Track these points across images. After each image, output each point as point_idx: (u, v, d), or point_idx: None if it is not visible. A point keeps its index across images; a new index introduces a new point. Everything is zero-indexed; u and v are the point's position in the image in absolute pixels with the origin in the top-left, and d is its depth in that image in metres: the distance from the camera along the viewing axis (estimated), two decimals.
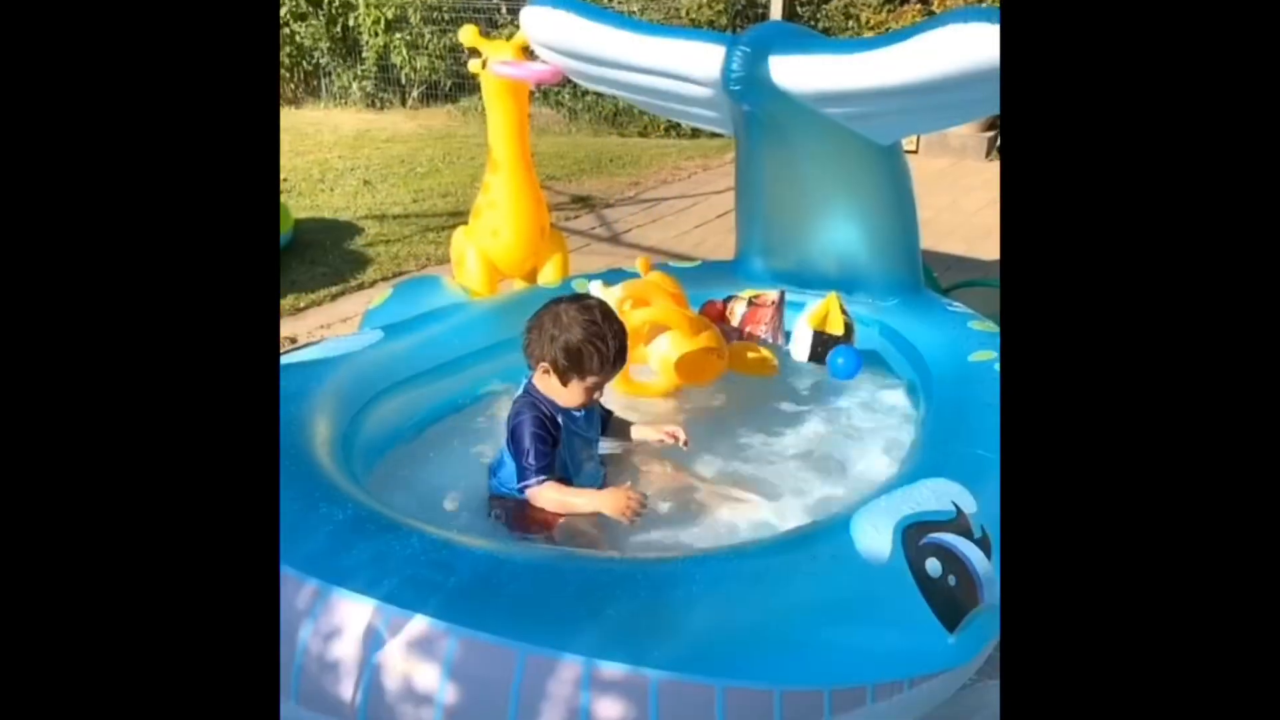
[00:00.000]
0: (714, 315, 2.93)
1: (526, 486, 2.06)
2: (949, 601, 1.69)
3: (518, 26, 3.16)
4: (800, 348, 2.85)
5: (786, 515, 2.16)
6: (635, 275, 2.88)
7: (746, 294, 3.01)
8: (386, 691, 1.48)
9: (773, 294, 2.98)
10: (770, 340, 2.88)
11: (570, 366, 2.07)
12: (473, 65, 3.26)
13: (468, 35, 3.25)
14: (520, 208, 3.32)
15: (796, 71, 2.61)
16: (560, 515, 2.06)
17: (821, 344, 2.80)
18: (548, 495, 2.05)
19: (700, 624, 1.54)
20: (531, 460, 2.06)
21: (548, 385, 2.12)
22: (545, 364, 2.10)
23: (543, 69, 3.14)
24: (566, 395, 2.11)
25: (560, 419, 2.12)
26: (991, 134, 7.65)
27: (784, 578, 1.66)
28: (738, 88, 2.68)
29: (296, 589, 1.58)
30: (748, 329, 2.91)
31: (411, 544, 1.63)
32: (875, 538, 1.73)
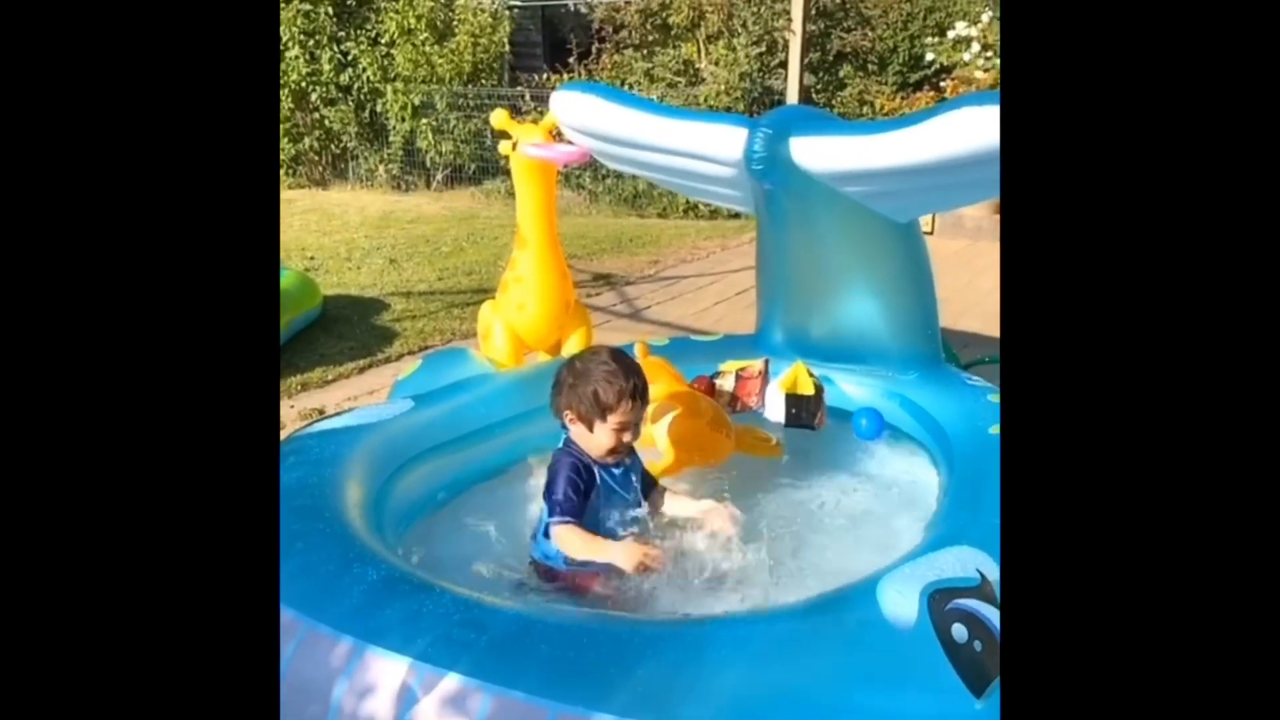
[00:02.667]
0: (704, 389, 2.94)
1: (551, 524, 2.10)
2: (975, 667, 1.69)
3: (541, 114, 3.28)
4: (775, 411, 2.89)
5: (810, 582, 2.16)
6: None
7: (732, 367, 3.04)
8: None
9: (758, 364, 3.01)
10: (762, 411, 2.91)
11: (591, 408, 2.13)
12: (503, 147, 3.39)
13: (499, 119, 3.38)
14: (546, 283, 3.41)
15: (816, 152, 2.71)
16: (595, 584, 2.08)
17: (794, 406, 2.85)
18: (569, 537, 2.07)
19: (729, 686, 1.55)
20: (560, 498, 2.10)
21: (579, 435, 2.19)
22: (570, 412, 2.17)
23: (570, 150, 3.26)
24: (595, 441, 2.16)
25: (596, 471, 2.16)
26: None
27: (811, 641, 1.68)
28: (760, 167, 2.77)
29: (331, 647, 1.61)
30: (739, 401, 2.95)
31: (444, 603, 1.66)
32: (901, 603, 1.74)
